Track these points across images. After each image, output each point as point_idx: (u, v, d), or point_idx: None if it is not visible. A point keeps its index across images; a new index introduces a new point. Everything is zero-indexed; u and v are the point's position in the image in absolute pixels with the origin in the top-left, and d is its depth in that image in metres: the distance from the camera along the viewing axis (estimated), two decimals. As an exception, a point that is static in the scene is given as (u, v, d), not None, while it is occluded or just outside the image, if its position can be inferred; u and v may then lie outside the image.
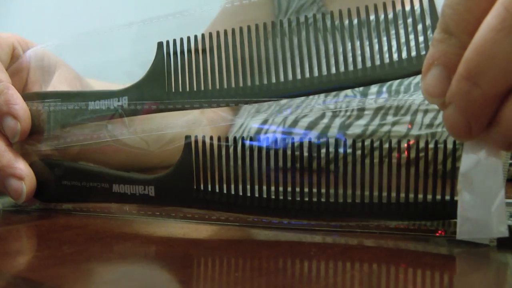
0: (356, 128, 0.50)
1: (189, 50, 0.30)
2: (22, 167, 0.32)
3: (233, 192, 0.29)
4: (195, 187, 0.30)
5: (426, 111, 0.49)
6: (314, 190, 0.28)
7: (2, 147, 0.32)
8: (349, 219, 0.28)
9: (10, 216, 0.33)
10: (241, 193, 0.29)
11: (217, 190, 0.29)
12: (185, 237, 0.28)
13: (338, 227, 0.28)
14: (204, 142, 0.29)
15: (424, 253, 0.25)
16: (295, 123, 0.52)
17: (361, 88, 0.45)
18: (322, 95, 0.29)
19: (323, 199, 0.28)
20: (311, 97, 0.29)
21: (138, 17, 0.33)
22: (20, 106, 0.32)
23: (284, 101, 0.29)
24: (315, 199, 0.28)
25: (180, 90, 0.30)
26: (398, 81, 0.50)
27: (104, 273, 0.22)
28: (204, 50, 0.30)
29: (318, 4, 0.64)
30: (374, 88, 0.46)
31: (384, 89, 0.49)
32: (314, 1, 0.65)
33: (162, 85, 0.30)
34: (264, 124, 0.51)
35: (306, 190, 0.28)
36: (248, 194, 0.29)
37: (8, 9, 1.48)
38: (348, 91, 0.36)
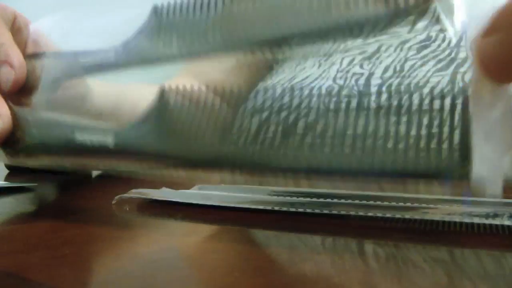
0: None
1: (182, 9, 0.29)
2: (2, 106, 0.32)
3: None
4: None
5: (426, 111, 0.49)
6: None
7: None
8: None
9: (10, 216, 0.33)
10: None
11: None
12: (185, 237, 0.28)
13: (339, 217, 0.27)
14: (180, 91, 0.26)
15: (424, 254, 0.25)
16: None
17: (361, 88, 0.45)
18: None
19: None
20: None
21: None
22: (17, 58, 0.33)
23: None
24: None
25: (170, 44, 0.29)
26: (398, 80, 0.50)
27: (104, 273, 0.22)
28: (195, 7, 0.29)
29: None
30: (374, 88, 0.46)
31: (384, 89, 0.48)
32: None
33: (151, 40, 0.30)
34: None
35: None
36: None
37: (8, 9, 1.48)
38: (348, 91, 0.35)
